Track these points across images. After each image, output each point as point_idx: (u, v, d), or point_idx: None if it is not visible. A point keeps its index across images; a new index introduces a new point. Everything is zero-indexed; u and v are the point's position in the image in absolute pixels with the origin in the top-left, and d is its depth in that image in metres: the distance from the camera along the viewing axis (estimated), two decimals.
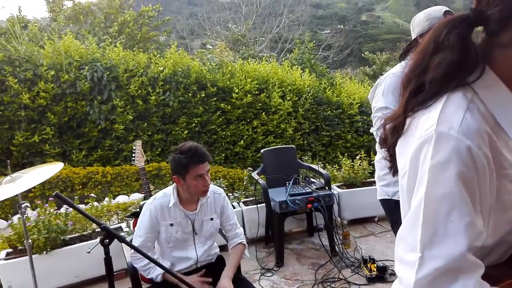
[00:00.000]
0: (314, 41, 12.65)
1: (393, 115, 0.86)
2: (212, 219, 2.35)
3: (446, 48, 0.75)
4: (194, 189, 2.17)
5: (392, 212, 2.15)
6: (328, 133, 8.28)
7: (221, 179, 4.54)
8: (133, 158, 2.99)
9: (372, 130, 2.15)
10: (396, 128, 0.84)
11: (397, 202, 1.11)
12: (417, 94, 0.80)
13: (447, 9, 2.03)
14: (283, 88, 8.05)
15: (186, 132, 6.99)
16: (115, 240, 1.71)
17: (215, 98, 7.28)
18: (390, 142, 0.87)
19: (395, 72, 2.15)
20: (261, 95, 7.69)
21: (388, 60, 19.77)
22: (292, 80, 8.41)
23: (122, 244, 1.83)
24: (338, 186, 4.28)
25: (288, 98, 7.96)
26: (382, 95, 2.13)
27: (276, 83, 8.02)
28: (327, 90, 8.70)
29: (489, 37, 0.75)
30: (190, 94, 7.06)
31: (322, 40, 24.98)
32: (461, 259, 0.67)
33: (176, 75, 7.10)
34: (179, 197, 2.25)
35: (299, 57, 10.66)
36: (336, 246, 3.48)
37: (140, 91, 6.70)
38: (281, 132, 7.83)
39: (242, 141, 7.41)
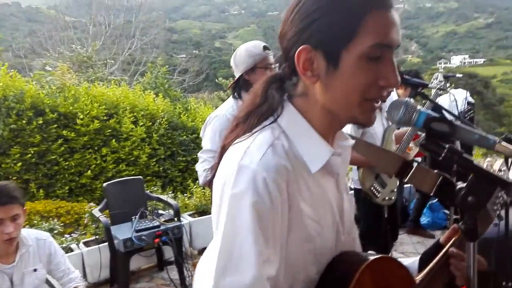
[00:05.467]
0: (167, 66, 12.56)
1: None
2: (35, 270, 2.02)
3: (255, 95, 0.89)
4: None
5: None
6: (184, 158, 8.18)
7: (56, 220, 4.01)
8: None
9: (196, 166, 2.16)
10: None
11: None
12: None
13: (265, 44, 2.19)
14: (135, 113, 7.69)
15: (19, 164, 6.10)
16: None
17: (56, 125, 6.55)
18: None
19: (223, 114, 2.20)
20: (110, 121, 7.21)
21: None
22: (145, 105, 8.13)
23: None
24: (190, 215, 4.19)
25: (141, 123, 7.63)
26: (209, 137, 2.16)
27: (127, 108, 7.62)
28: (182, 115, 8.66)
29: (293, 89, 0.87)
30: (24, 121, 6.21)
31: (178, 64, 25.07)
32: (253, 287, 0.70)
33: (7, 100, 6.19)
34: None
35: (152, 81, 10.42)
36: (187, 279, 3.35)
37: None
38: (134, 160, 7.43)
39: (89, 171, 6.79)
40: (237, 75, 2.23)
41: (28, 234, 2.04)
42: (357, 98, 0.78)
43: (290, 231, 0.78)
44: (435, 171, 0.81)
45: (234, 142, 0.84)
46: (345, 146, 0.92)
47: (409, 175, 0.81)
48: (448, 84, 3.37)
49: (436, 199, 4.57)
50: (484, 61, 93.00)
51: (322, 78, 0.78)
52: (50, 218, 5.65)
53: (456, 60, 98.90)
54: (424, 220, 4.83)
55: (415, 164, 0.83)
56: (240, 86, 2.23)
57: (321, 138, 0.83)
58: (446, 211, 4.68)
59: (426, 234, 4.63)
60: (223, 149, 0.86)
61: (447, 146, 0.78)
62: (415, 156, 3.68)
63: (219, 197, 0.78)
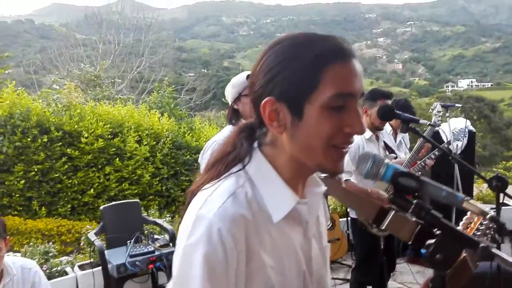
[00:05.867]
0: (176, 84, 12.67)
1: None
2: None
3: (227, 143, 0.91)
4: None
5: None
6: (187, 178, 8.18)
7: (52, 242, 4.01)
8: None
9: None
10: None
11: None
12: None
13: (249, 73, 2.25)
14: (139, 133, 7.75)
15: (23, 182, 6.15)
16: None
17: (60, 143, 6.62)
18: None
19: (221, 139, 2.23)
20: (114, 140, 7.26)
21: None
22: (149, 124, 8.20)
23: None
24: None
25: (145, 142, 7.68)
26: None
27: (132, 127, 7.69)
28: (186, 135, 8.71)
29: (263, 137, 0.89)
30: (29, 139, 6.29)
31: (186, 83, 25.32)
32: None
33: (12, 118, 6.28)
34: None
35: (158, 101, 10.53)
36: None
37: None
38: (137, 179, 7.44)
39: (92, 189, 6.82)
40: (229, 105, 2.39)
41: (13, 262, 2.03)
42: (322, 145, 0.79)
43: (249, 283, 0.78)
44: (414, 219, 0.81)
45: (202, 188, 0.84)
46: (316, 193, 0.92)
47: (386, 223, 0.81)
48: (447, 114, 3.37)
49: None
50: (491, 85, 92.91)
51: (288, 129, 0.81)
52: (51, 237, 5.68)
53: (463, 84, 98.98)
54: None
55: (392, 212, 0.82)
56: (232, 114, 2.36)
57: (287, 187, 0.84)
58: None
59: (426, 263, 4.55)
60: (192, 195, 0.86)
61: (414, 201, 0.78)
62: None
63: (178, 245, 0.79)
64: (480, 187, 5.94)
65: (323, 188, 0.94)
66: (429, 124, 2.40)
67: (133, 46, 19.75)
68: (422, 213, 0.77)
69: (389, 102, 2.89)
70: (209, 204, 0.78)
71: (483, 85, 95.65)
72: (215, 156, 0.90)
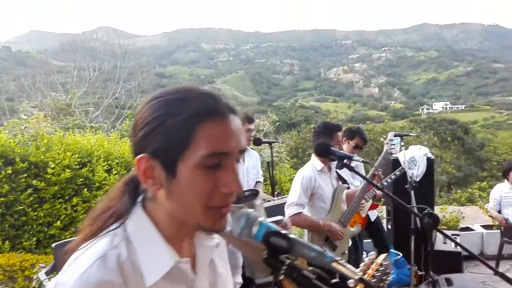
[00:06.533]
0: None
1: None
2: None
3: (110, 197, 0.87)
4: None
5: None
6: None
7: (15, 279, 3.85)
8: None
9: None
10: None
11: None
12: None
13: None
14: (109, 162, 7.61)
15: None
16: None
17: (26, 174, 6.45)
18: None
19: None
20: (83, 170, 7.12)
21: None
22: (120, 152, 8.07)
23: None
24: None
25: (115, 172, 7.54)
26: None
27: (102, 156, 7.56)
28: None
29: (145, 191, 0.85)
30: None
31: None
32: None
33: None
34: None
35: (130, 128, 10.42)
36: None
37: None
38: None
39: (58, 221, 6.61)
40: None
41: None
42: (199, 207, 0.76)
43: None
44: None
45: (79, 247, 0.81)
46: (207, 246, 0.90)
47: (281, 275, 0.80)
48: (402, 143, 3.46)
49: (401, 255, 4.50)
50: (465, 107, 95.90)
51: (164, 186, 0.78)
52: (14, 272, 5.47)
53: (438, 106, 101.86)
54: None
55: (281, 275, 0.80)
56: None
57: (166, 246, 0.80)
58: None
59: None
60: (70, 254, 0.82)
61: (287, 262, 0.77)
62: (370, 208, 3.71)
63: None
64: (443, 213, 6.03)
65: (215, 241, 0.91)
66: (362, 161, 2.45)
67: (110, 73, 19.67)
68: (293, 274, 0.76)
69: (339, 133, 2.94)
70: (71, 269, 0.74)
71: (457, 107, 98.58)
72: (98, 209, 0.85)
